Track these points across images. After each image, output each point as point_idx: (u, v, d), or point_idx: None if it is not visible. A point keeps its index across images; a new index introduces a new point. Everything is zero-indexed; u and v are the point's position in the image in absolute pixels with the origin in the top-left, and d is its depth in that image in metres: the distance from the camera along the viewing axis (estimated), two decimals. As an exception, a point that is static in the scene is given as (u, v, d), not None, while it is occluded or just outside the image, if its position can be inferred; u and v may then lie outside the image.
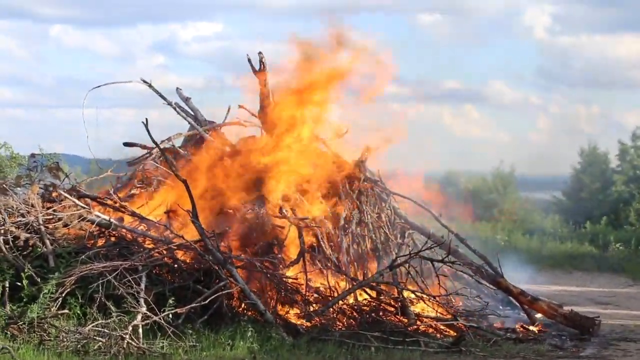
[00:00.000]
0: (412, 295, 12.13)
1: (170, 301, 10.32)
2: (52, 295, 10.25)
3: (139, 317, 10.05)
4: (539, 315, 12.98)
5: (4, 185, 11.91)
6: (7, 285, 10.57)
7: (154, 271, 11.14)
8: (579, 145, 35.36)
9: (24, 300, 10.29)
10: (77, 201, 11.81)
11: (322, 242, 12.54)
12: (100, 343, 9.61)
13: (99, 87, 14.13)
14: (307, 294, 11.64)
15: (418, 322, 11.62)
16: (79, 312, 10.39)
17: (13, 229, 11.19)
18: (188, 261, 11.63)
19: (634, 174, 31.47)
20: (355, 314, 11.66)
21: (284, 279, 11.72)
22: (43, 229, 11.33)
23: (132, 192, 13.38)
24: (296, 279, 11.89)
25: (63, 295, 10.35)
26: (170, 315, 10.28)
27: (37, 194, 11.85)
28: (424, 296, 12.21)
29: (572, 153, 35.61)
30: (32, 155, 13.52)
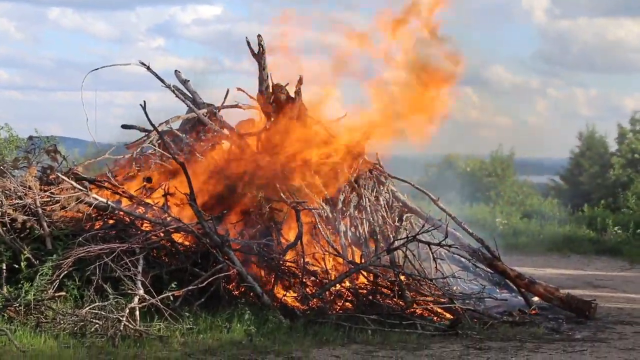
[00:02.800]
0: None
1: (172, 285, 10.35)
2: (49, 278, 10.27)
3: (136, 299, 10.07)
4: (535, 299, 13.00)
5: (1, 168, 11.89)
6: (4, 267, 10.60)
7: (151, 254, 11.16)
8: (578, 128, 35.41)
9: (21, 282, 10.30)
10: (74, 184, 11.81)
11: (319, 225, 12.54)
12: (97, 325, 9.63)
13: (97, 69, 14.15)
14: (304, 277, 11.65)
15: (415, 305, 11.64)
16: (76, 294, 10.42)
17: (10, 211, 11.18)
18: (186, 244, 11.65)
19: (632, 157, 31.48)
20: (352, 296, 11.68)
21: (281, 262, 11.73)
22: (40, 211, 11.33)
23: (130, 174, 13.37)
24: (293, 261, 11.90)
25: (60, 277, 10.37)
26: (168, 298, 10.29)
27: (35, 176, 11.85)
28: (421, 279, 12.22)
29: (570, 136, 35.65)
30: (30, 138, 13.50)
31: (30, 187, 11.55)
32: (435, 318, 11.58)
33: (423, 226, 12.80)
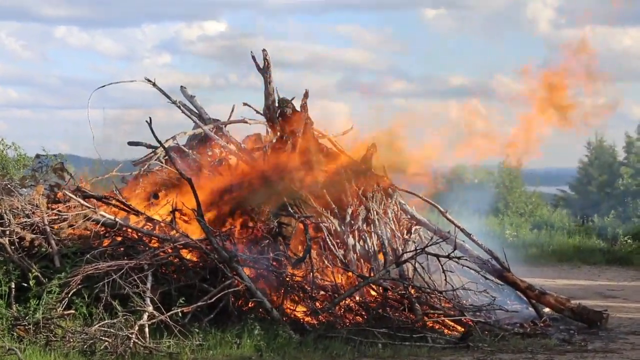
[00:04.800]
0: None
1: (180, 301, 10.32)
2: (58, 296, 10.24)
3: (145, 316, 10.04)
4: (546, 310, 12.93)
5: (9, 186, 11.90)
6: (13, 286, 10.58)
7: (160, 270, 11.12)
8: (586, 138, 35.34)
9: (30, 301, 10.27)
10: (82, 201, 11.80)
11: (328, 239, 12.51)
12: (107, 343, 9.58)
13: (103, 87, 14.20)
14: (314, 291, 11.61)
15: (425, 318, 11.58)
16: (85, 312, 10.37)
17: (18, 229, 11.18)
18: (194, 260, 11.62)
19: (641, 166, 31.42)
20: (362, 310, 11.63)
21: (290, 277, 11.69)
22: (48, 229, 11.31)
23: (137, 191, 13.37)
24: (303, 276, 11.86)
25: (69, 295, 10.33)
26: (177, 314, 10.26)
27: (42, 194, 11.84)
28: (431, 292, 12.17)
29: (579, 146, 35.58)
30: (37, 156, 13.53)
31: (37, 206, 11.54)
32: (446, 331, 11.53)
33: (432, 238, 12.76)
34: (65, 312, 10.21)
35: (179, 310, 10.25)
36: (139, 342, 9.61)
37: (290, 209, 12.58)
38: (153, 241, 11.67)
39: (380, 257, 12.90)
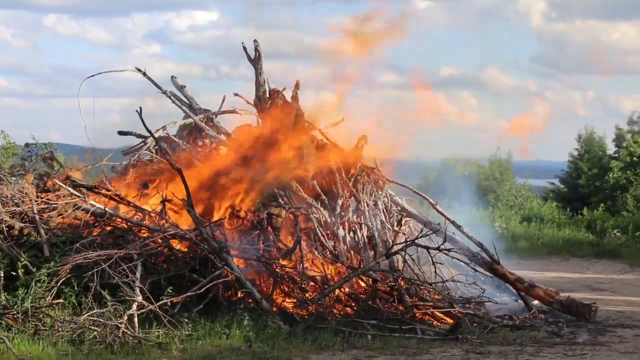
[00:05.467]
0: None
1: (168, 290, 10.30)
2: (47, 285, 10.21)
3: (135, 306, 10.02)
4: (535, 302, 12.97)
5: (-1, 175, 11.86)
6: (2, 275, 10.54)
7: (149, 260, 11.11)
8: (576, 131, 35.39)
9: (19, 289, 10.24)
10: (71, 190, 11.76)
11: (318, 230, 12.51)
12: (96, 332, 9.57)
13: (93, 76, 14.13)
14: (303, 282, 11.61)
15: (415, 310, 11.60)
16: (74, 301, 10.35)
17: (7, 218, 11.14)
18: (184, 250, 11.60)
19: (630, 160, 31.47)
20: (351, 302, 11.64)
21: (280, 267, 11.69)
22: (38, 218, 11.28)
23: (127, 181, 13.33)
24: (292, 267, 11.86)
25: (58, 284, 10.31)
26: (167, 304, 10.24)
27: (32, 183, 11.80)
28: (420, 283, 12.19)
29: (569, 139, 35.63)
30: (27, 145, 13.48)
31: (27, 194, 11.50)
32: (435, 322, 11.55)
33: (422, 230, 12.77)
34: (54, 301, 10.18)
35: (168, 300, 10.23)
36: (128, 332, 9.58)
37: (280, 199, 12.57)
38: (143, 231, 11.65)
39: (370, 248, 12.91)
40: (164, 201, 12.33)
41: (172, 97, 14.41)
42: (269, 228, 12.36)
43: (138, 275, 10.51)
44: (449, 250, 12.27)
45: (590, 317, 12.33)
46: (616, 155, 33.07)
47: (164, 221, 11.71)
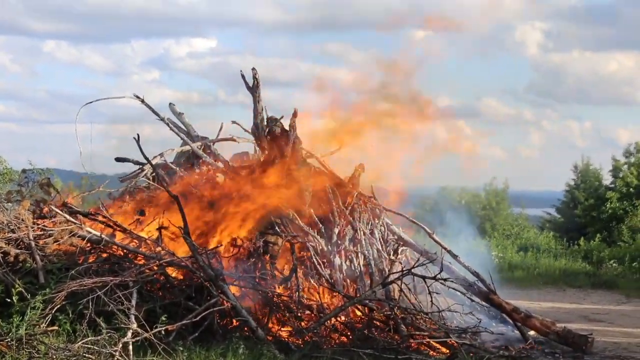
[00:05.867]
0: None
1: (162, 318, 10.25)
2: (41, 312, 10.15)
3: (130, 333, 9.95)
4: (532, 333, 12.93)
5: (-5, 201, 11.84)
6: (-4, 301, 10.49)
7: (145, 287, 11.07)
8: (573, 161, 35.47)
9: (13, 316, 10.18)
10: (68, 217, 11.74)
11: (314, 258, 12.49)
12: (90, 360, 9.51)
13: (91, 102, 14.14)
14: (299, 310, 11.57)
15: (410, 339, 11.55)
16: (68, 328, 10.28)
17: (3, 244, 11.11)
18: (180, 277, 11.57)
19: (627, 191, 31.50)
20: (347, 331, 11.60)
21: (276, 296, 11.65)
22: (33, 244, 11.25)
23: (124, 208, 13.32)
24: (288, 295, 11.82)
25: (53, 311, 10.24)
26: (162, 332, 10.19)
27: (28, 209, 11.78)
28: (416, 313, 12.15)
29: (565, 169, 35.69)
30: (24, 171, 13.47)
31: (23, 221, 11.48)
32: (431, 352, 11.50)
33: (418, 259, 12.76)
34: (49, 329, 10.11)
35: (163, 328, 10.18)
36: (123, 360, 9.53)
37: (277, 227, 12.56)
38: (139, 258, 11.62)
39: (367, 277, 12.88)
40: (160, 228, 12.32)
41: (169, 124, 14.44)
42: (266, 256, 12.35)
43: (133, 302, 10.45)
44: (445, 279, 12.25)
45: (586, 348, 12.29)
46: (612, 185, 33.11)
47: (160, 248, 11.68)
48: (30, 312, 10.09)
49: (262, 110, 13.57)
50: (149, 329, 10.09)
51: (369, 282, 12.77)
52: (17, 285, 10.58)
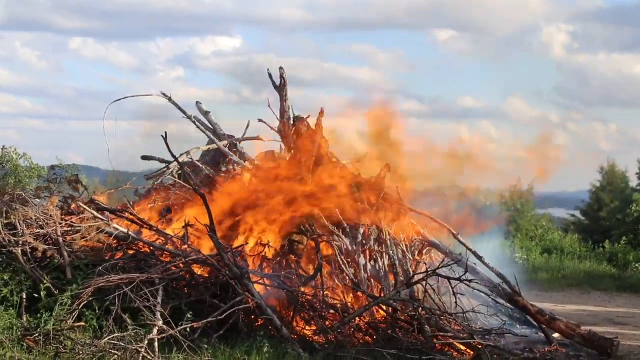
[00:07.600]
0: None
1: (187, 315, 10.31)
2: (68, 307, 10.25)
3: (155, 330, 10.03)
4: (556, 335, 12.87)
5: (24, 196, 11.95)
6: (24, 296, 10.60)
7: (170, 284, 11.13)
8: (598, 163, 35.26)
9: (41, 311, 10.29)
10: (95, 213, 11.83)
11: (339, 258, 12.50)
12: (116, 356, 9.58)
13: (118, 100, 14.20)
14: (323, 310, 11.59)
15: (434, 340, 11.54)
16: (95, 324, 10.38)
17: (31, 240, 11.22)
18: (205, 275, 11.63)
19: (653, 193, 31.29)
20: (371, 330, 11.60)
21: (301, 295, 11.68)
22: (61, 240, 11.36)
23: (150, 205, 13.40)
24: (312, 294, 11.85)
25: (79, 307, 10.35)
26: (187, 329, 10.25)
27: (56, 205, 11.89)
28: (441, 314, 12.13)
29: (590, 171, 35.48)
30: (52, 167, 13.58)
31: (51, 216, 11.58)
32: (454, 353, 11.48)
33: (443, 260, 12.73)
34: (76, 324, 10.22)
35: (188, 325, 10.24)
36: (148, 356, 9.59)
37: (302, 226, 12.58)
38: (165, 255, 11.69)
39: (391, 277, 12.87)
40: (186, 226, 12.38)
41: (196, 122, 14.48)
42: (291, 255, 12.38)
43: (159, 299, 10.54)
44: (470, 280, 12.22)
45: (612, 351, 12.21)
46: (639, 187, 32.90)
47: (186, 246, 11.75)
48: (57, 307, 10.20)
49: (289, 109, 13.60)
50: (174, 326, 10.17)
51: (393, 282, 12.76)
52: (44, 281, 10.70)
